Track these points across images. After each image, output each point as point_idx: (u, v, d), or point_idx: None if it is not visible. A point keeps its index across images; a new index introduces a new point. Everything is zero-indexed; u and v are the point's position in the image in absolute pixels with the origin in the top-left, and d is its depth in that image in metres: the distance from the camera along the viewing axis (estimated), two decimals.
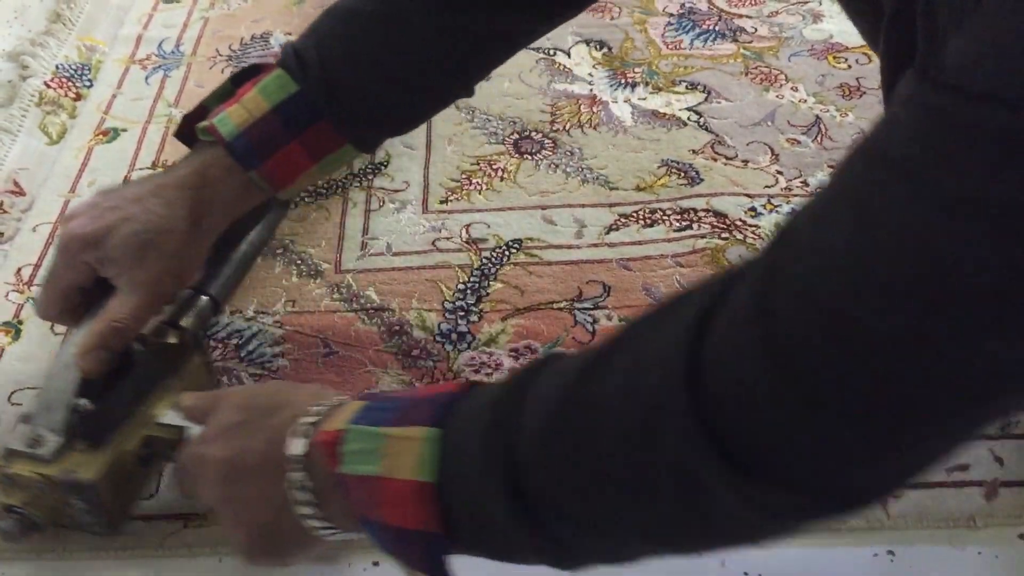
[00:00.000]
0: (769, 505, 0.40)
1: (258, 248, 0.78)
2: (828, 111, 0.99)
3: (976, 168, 0.34)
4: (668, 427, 0.40)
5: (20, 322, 0.80)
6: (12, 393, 0.74)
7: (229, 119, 0.66)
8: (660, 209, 0.88)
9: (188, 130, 0.69)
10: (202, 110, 0.69)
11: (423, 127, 0.99)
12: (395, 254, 0.85)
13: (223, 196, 0.67)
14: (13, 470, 0.59)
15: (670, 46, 1.09)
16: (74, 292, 0.65)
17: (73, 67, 1.08)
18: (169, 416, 0.61)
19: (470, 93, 0.75)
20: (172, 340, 0.67)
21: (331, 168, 0.71)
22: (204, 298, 0.70)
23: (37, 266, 0.85)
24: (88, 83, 1.07)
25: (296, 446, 0.51)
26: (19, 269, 0.85)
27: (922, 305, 0.35)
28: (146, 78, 1.08)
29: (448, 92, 0.74)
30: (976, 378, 0.36)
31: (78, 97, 1.05)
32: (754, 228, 0.85)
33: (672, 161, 0.93)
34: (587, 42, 1.10)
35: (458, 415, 0.48)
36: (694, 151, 0.94)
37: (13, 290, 0.83)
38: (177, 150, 0.96)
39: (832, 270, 0.38)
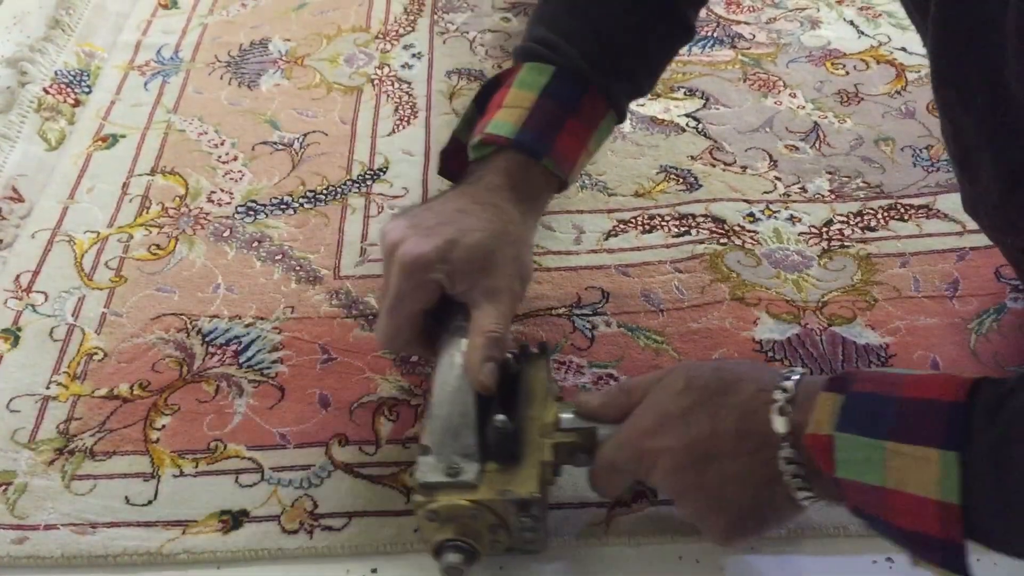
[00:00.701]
0: None
1: None
2: (826, 117, 0.99)
3: None
4: None
5: (19, 329, 0.80)
6: (11, 400, 0.74)
7: (503, 122, 0.67)
8: (659, 215, 0.88)
9: (450, 164, 0.70)
10: (455, 142, 0.70)
11: (422, 133, 0.99)
12: None
13: (532, 191, 0.67)
14: (440, 503, 0.57)
15: None
16: (421, 316, 0.63)
17: (72, 73, 1.08)
18: (568, 421, 0.60)
19: (692, 34, 0.75)
20: (522, 348, 0.66)
21: (600, 141, 0.71)
22: None
23: (36, 273, 0.85)
24: (87, 89, 1.07)
25: (780, 424, 0.51)
26: (18, 276, 0.85)
27: None
28: (145, 84, 1.08)
29: (674, 34, 0.74)
30: None
31: (77, 103, 1.05)
32: (752, 234, 0.85)
33: (671, 167, 0.93)
34: None
35: (980, 441, 0.46)
36: (693, 157, 0.94)
37: (12, 297, 0.83)
38: (176, 155, 0.97)
39: None
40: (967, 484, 0.45)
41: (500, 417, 0.58)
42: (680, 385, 0.55)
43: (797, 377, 0.53)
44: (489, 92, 0.70)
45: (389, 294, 0.63)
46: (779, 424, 0.51)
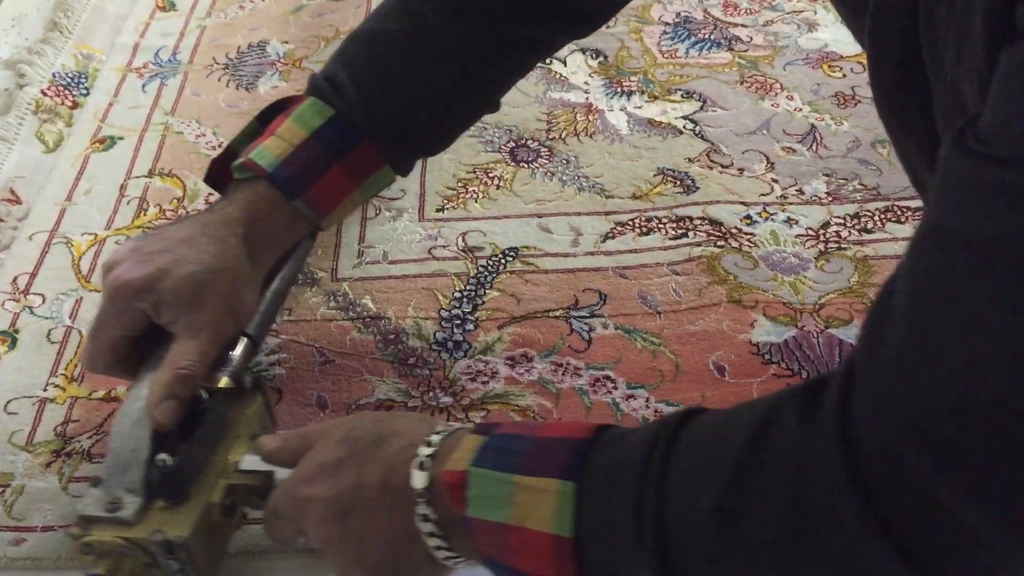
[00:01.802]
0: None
1: (289, 284, 0.74)
2: (823, 120, 0.99)
3: None
4: (840, 531, 0.40)
5: (16, 331, 0.80)
6: (8, 402, 0.74)
7: (268, 151, 0.66)
8: (656, 217, 0.88)
9: (217, 174, 0.69)
10: (229, 152, 0.68)
11: None
12: (391, 262, 0.85)
13: (271, 230, 0.66)
14: (94, 537, 0.56)
15: (666, 55, 1.09)
16: (125, 342, 0.62)
17: (70, 75, 1.08)
18: (248, 462, 0.59)
19: (496, 107, 0.75)
20: (230, 385, 0.63)
21: (370, 192, 0.71)
22: (244, 339, 0.65)
23: (33, 275, 0.85)
24: (85, 91, 1.07)
25: (419, 478, 0.50)
26: (15, 278, 0.85)
27: None
28: (143, 86, 1.08)
29: (476, 104, 0.74)
30: None
31: (75, 105, 1.05)
32: (749, 236, 0.85)
33: (668, 169, 0.93)
34: (583, 51, 1.10)
35: (594, 470, 0.46)
36: (690, 159, 0.95)
37: (9, 299, 0.83)
38: (174, 157, 0.97)
39: (955, 361, 0.37)
40: (580, 517, 0.45)
41: (161, 456, 0.57)
42: (339, 435, 0.55)
43: (447, 431, 0.52)
44: (274, 113, 0.69)
45: (95, 317, 0.63)
46: (418, 479, 0.50)
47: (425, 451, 0.51)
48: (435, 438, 0.51)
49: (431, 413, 0.72)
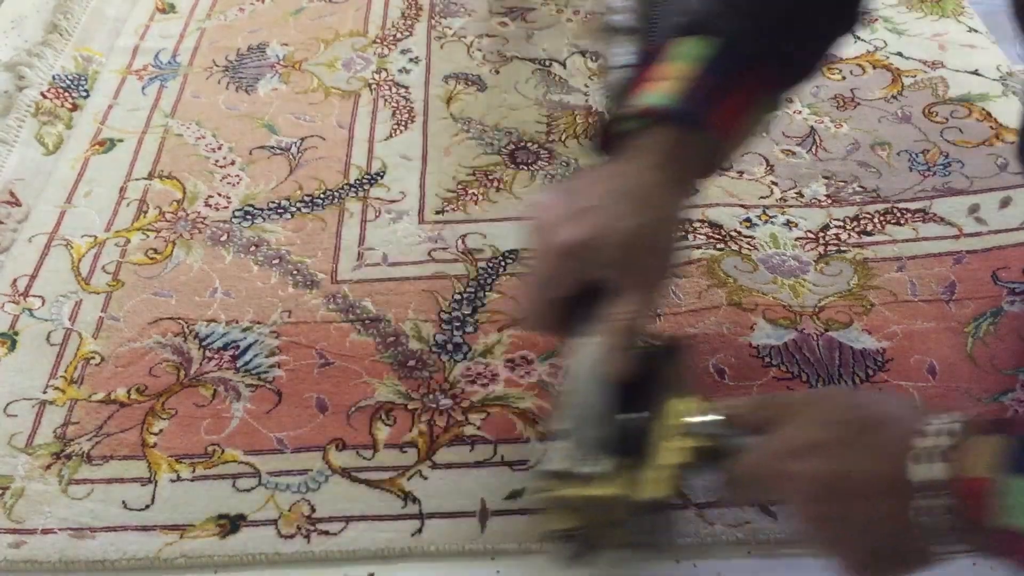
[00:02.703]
0: None
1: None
2: (823, 122, 0.99)
3: None
4: None
5: (16, 333, 0.80)
6: (8, 404, 0.74)
7: (658, 93, 0.64)
8: None
9: (610, 134, 0.67)
10: (609, 121, 0.67)
11: (419, 137, 0.99)
12: (391, 264, 0.85)
13: (684, 168, 0.64)
14: (564, 493, 0.56)
15: None
16: (564, 300, 0.62)
17: (70, 78, 1.08)
18: (704, 425, 0.57)
19: (858, 21, 0.71)
20: (659, 342, 0.64)
21: (760, 119, 0.68)
22: None
23: (33, 277, 0.85)
24: (85, 93, 1.07)
25: (919, 472, 0.49)
26: (15, 280, 0.85)
27: None
28: (143, 88, 1.08)
29: (839, 21, 0.71)
30: None
31: (75, 107, 1.05)
32: (749, 239, 0.85)
33: None
34: (583, 53, 1.10)
35: None
36: None
37: (9, 301, 0.83)
38: (173, 159, 0.97)
39: None
40: None
41: (626, 415, 0.57)
42: (828, 413, 0.54)
43: (943, 423, 0.51)
44: (643, 66, 0.67)
45: (536, 276, 0.63)
46: (917, 473, 0.49)
47: (922, 443, 0.49)
48: (931, 429, 0.50)
49: (430, 415, 0.72)
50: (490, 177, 0.94)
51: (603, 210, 0.61)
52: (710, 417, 0.58)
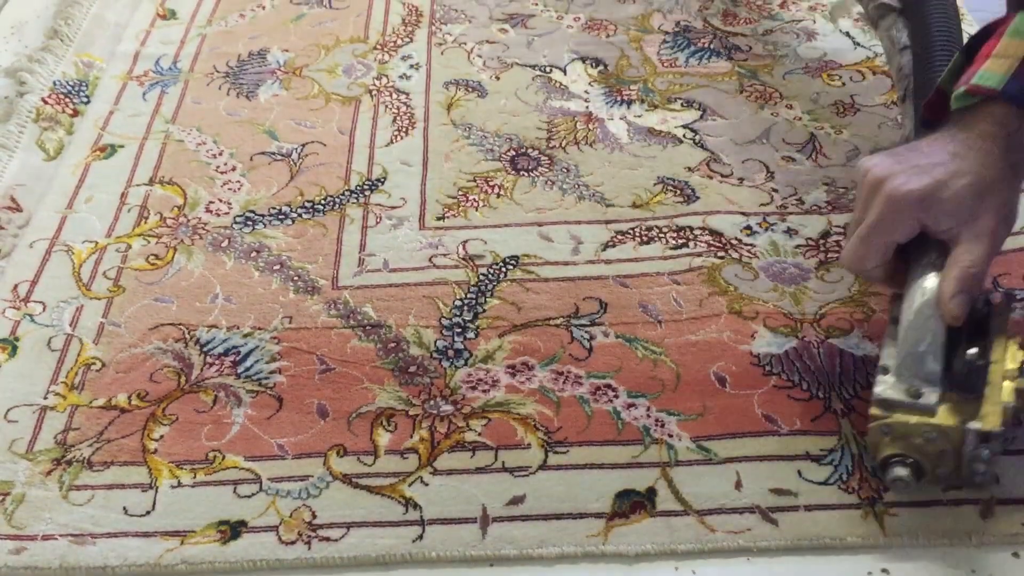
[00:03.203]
0: None
1: None
2: (823, 129, 0.99)
3: None
4: None
5: (17, 339, 0.80)
6: (9, 410, 0.74)
7: (991, 72, 0.66)
8: (656, 226, 0.88)
9: (932, 112, 0.70)
10: (939, 94, 0.70)
11: (420, 143, 0.99)
12: (392, 270, 0.85)
13: (1018, 150, 0.66)
14: (895, 419, 0.60)
15: (665, 64, 1.10)
16: (893, 247, 0.66)
17: (70, 83, 1.08)
18: None
19: None
20: (989, 294, 0.67)
21: None
22: None
23: (34, 283, 0.85)
24: (85, 99, 1.07)
25: None
26: (16, 286, 0.85)
27: None
28: (143, 94, 1.08)
29: None
30: None
31: (75, 113, 1.05)
32: (750, 247, 0.85)
33: (668, 178, 0.94)
34: (583, 59, 1.10)
35: None
36: (690, 168, 0.95)
37: (10, 307, 0.83)
38: (174, 165, 0.97)
39: None
40: None
41: (972, 351, 0.61)
42: None
43: None
44: (980, 41, 0.69)
45: (868, 221, 0.66)
46: None
47: None
48: None
49: (431, 422, 0.72)
50: (491, 183, 0.94)
51: (944, 166, 0.65)
52: None
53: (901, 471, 0.61)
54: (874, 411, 0.62)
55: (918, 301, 0.64)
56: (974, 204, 0.64)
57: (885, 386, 0.62)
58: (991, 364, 0.62)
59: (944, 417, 0.60)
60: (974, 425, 0.59)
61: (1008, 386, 0.61)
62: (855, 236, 0.68)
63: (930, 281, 0.64)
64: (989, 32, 0.69)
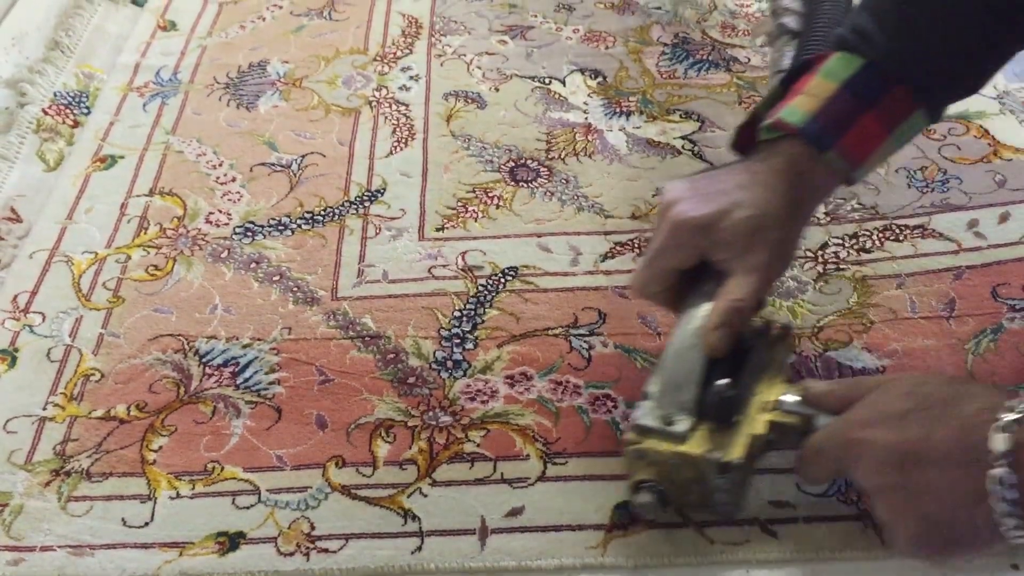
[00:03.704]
0: None
1: None
2: None
3: None
4: None
5: (16, 350, 0.80)
6: (8, 421, 0.74)
7: (797, 109, 0.66)
8: None
9: (743, 139, 0.71)
10: (754, 118, 0.70)
11: (419, 155, 0.99)
12: (391, 281, 0.85)
13: (812, 183, 0.67)
14: (646, 446, 0.61)
15: (664, 75, 1.10)
16: (675, 273, 0.67)
17: (71, 94, 1.09)
18: (789, 402, 0.62)
19: None
20: (764, 327, 0.67)
21: (904, 139, 0.69)
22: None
23: (34, 293, 0.85)
24: (86, 110, 1.08)
25: (1000, 441, 0.49)
26: (15, 296, 0.85)
27: None
28: (144, 105, 1.08)
29: (1009, 42, 0.70)
30: None
31: (76, 124, 1.06)
32: None
33: None
34: (582, 71, 1.11)
35: None
36: None
37: (9, 317, 0.83)
38: (174, 176, 0.97)
39: None
40: None
41: (723, 381, 0.61)
42: (905, 388, 0.56)
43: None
44: (800, 73, 0.70)
45: (652, 246, 0.67)
46: (999, 441, 0.49)
47: (1008, 416, 0.50)
48: (1018, 405, 0.51)
49: (430, 433, 0.72)
50: (490, 194, 0.94)
51: (728, 196, 0.65)
52: (793, 397, 0.62)
53: (645, 497, 0.61)
54: (629, 436, 0.62)
55: (683, 330, 0.64)
56: (749, 237, 0.64)
57: (642, 412, 0.62)
58: (755, 396, 0.63)
59: (691, 446, 0.60)
60: (714, 455, 0.59)
61: (761, 418, 0.62)
62: (642, 260, 0.69)
63: (699, 311, 0.64)
64: (810, 65, 0.69)
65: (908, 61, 0.66)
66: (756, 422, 0.62)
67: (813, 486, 0.66)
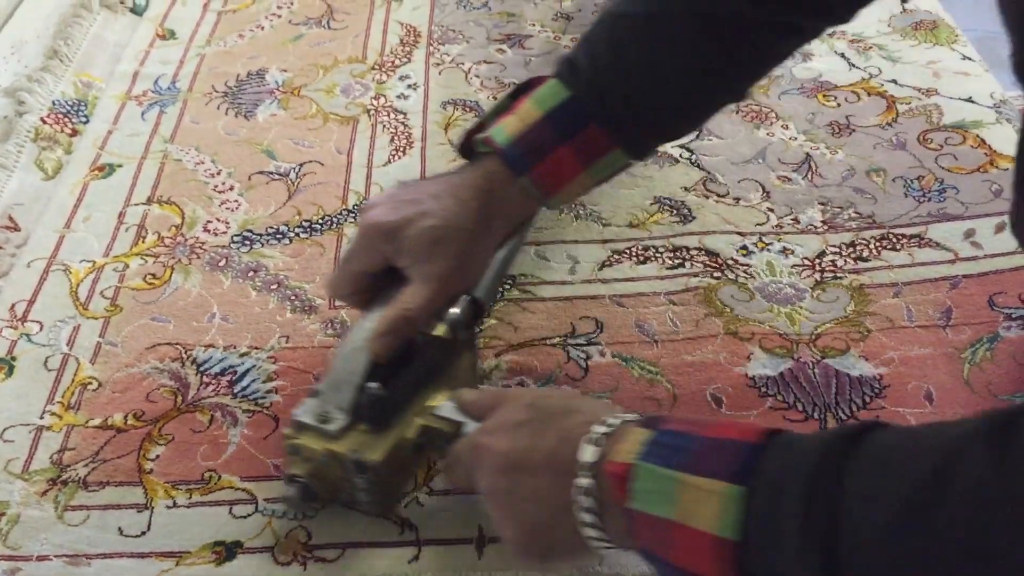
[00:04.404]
0: None
1: (513, 254, 0.79)
2: (818, 149, 1.00)
3: None
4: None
5: (14, 358, 0.80)
6: (5, 430, 0.74)
7: (504, 129, 0.68)
8: (653, 246, 0.88)
9: (467, 144, 0.71)
10: (480, 125, 0.71)
11: (417, 163, 0.99)
12: None
13: (504, 203, 0.69)
14: (301, 441, 0.63)
15: None
16: (365, 276, 0.68)
17: (69, 103, 1.09)
18: (446, 409, 0.63)
19: (742, 97, 0.76)
20: (447, 337, 0.69)
21: (603, 174, 0.71)
22: (466, 298, 0.70)
23: (31, 302, 0.85)
24: (84, 119, 1.08)
25: (588, 453, 0.52)
26: (13, 305, 0.85)
27: None
28: (142, 114, 1.08)
29: (718, 95, 0.73)
30: None
31: (74, 133, 1.06)
32: (746, 267, 0.86)
33: (664, 198, 0.94)
34: None
35: (764, 476, 0.46)
36: (686, 188, 0.95)
37: (7, 326, 0.83)
38: (172, 184, 0.97)
39: None
40: (746, 522, 0.45)
41: (373, 384, 0.63)
42: (528, 400, 0.59)
43: (624, 418, 0.54)
44: (524, 90, 0.71)
45: (347, 248, 0.69)
46: (586, 453, 0.52)
47: (599, 429, 0.53)
48: (612, 420, 0.53)
49: None
50: None
51: (418, 205, 0.66)
52: (450, 404, 0.63)
53: (290, 490, 0.63)
54: (286, 431, 0.64)
55: (354, 333, 0.65)
56: (431, 247, 0.65)
57: (304, 408, 0.64)
58: (417, 402, 0.64)
59: (339, 444, 0.62)
60: (354, 455, 0.61)
61: (415, 422, 0.64)
62: (340, 262, 0.70)
63: (374, 315, 0.66)
64: (534, 84, 0.71)
65: (607, 101, 0.68)
66: (409, 427, 0.64)
67: (454, 485, 0.67)
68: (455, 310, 0.69)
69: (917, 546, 0.41)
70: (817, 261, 0.86)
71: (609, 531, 0.52)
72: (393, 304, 0.65)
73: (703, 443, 0.50)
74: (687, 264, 0.86)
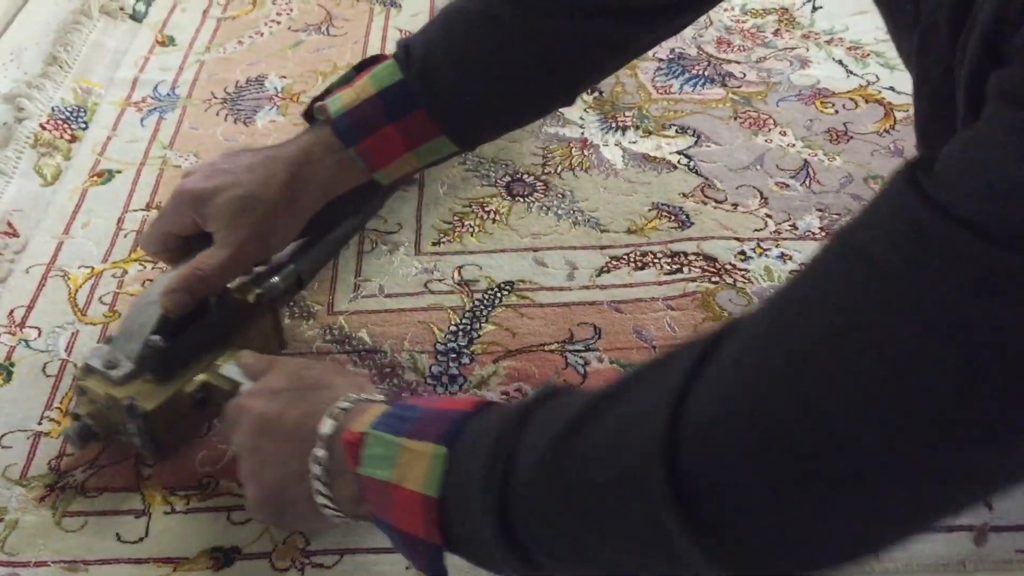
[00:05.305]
0: (734, 565, 0.42)
1: (348, 235, 0.84)
2: (816, 155, 1.00)
3: (952, 292, 0.36)
4: (645, 491, 0.43)
5: (12, 364, 0.80)
6: (3, 436, 0.74)
7: (339, 99, 0.73)
8: (651, 252, 0.88)
9: (310, 110, 0.76)
10: (327, 93, 0.75)
11: None
12: (387, 296, 0.85)
13: (321, 174, 0.73)
14: (87, 383, 0.67)
15: (660, 90, 1.10)
16: (173, 237, 0.72)
17: (69, 109, 1.09)
18: (228, 369, 0.67)
19: (570, 101, 0.79)
20: (249, 299, 0.73)
21: (430, 158, 0.76)
22: (290, 268, 0.76)
23: (30, 308, 0.85)
24: (83, 125, 1.08)
25: (327, 425, 0.56)
26: (11, 311, 0.85)
27: (889, 411, 0.38)
28: (141, 120, 1.09)
29: (544, 98, 0.78)
30: (917, 478, 0.39)
31: (73, 139, 1.06)
32: (743, 272, 0.86)
33: (662, 204, 0.94)
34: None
35: (465, 437, 0.51)
36: (684, 194, 0.95)
37: (5, 332, 0.83)
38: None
39: (808, 358, 0.41)
40: (446, 479, 0.50)
41: (154, 337, 0.66)
42: (293, 369, 0.63)
43: (369, 397, 0.58)
44: (369, 63, 0.75)
45: (161, 209, 0.74)
46: (325, 426, 0.56)
47: (341, 404, 0.57)
48: (356, 398, 0.58)
49: None
50: (486, 209, 0.94)
51: (231, 175, 0.71)
52: (230, 364, 0.67)
53: (71, 429, 0.67)
54: (76, 371, 0.69)
55: (151, 288, 0.70)
56: (235, 216, 0.69)
57: (96, 353, 0.68)
58: (206, 359, 0.68)
59: (119, 390, 0.66)
60: (128, 401, 0.65)
61: (198, 377, 0.68)
62: (152, 221, 0.75)
63: (174, 272, 0.70)
64: (377, 60, 0.75)
65: (435, 91, 0.72)
66: (190, 382, 0.67)
67: (227, 444, 0.70)
68: (275, 279, 0.74)
69: (564, 465, 0.46)
70: None
71: (338, 499, 0.56)
72: (190, 263, 0.69)
73: (428, 413, 0.54)
74: (685, 270, 0.86)
